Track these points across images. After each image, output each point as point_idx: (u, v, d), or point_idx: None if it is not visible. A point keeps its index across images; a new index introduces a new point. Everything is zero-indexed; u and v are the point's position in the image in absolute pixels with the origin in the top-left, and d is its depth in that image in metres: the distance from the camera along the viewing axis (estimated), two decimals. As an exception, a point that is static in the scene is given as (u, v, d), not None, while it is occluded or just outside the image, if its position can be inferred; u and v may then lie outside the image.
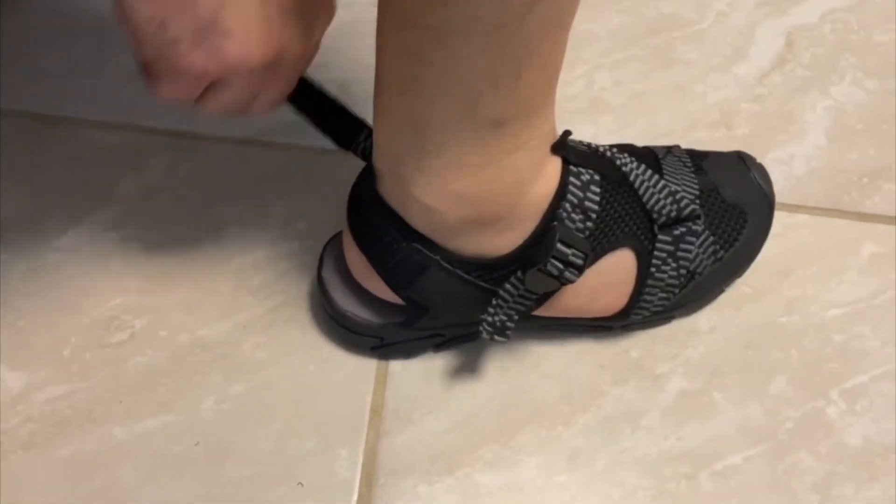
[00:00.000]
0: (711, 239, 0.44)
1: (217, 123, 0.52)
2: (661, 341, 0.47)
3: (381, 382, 0.44)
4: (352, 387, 0.44)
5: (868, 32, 0.64)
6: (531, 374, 0.46)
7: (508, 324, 0.40)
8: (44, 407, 0.42)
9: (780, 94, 0.59)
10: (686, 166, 0.45)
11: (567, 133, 0.39)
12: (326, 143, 0.41)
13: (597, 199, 0.39)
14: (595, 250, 0.40)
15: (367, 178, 0.39)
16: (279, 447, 0.42)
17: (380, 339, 0.43)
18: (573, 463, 0.43)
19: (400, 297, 0.40)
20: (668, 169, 0.44)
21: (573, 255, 0.38)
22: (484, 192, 0.36)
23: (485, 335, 0.40)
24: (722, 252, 0.44)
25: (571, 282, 0.38)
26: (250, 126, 0.53)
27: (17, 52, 0.55)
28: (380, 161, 0.37)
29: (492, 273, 0.39)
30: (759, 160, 0.55)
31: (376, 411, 0.43)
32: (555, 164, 0.38)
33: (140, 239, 0.48)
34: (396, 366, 0.45)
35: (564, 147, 0.38)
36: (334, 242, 0.44)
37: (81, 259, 0.47)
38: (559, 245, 0.37)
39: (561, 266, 0.37)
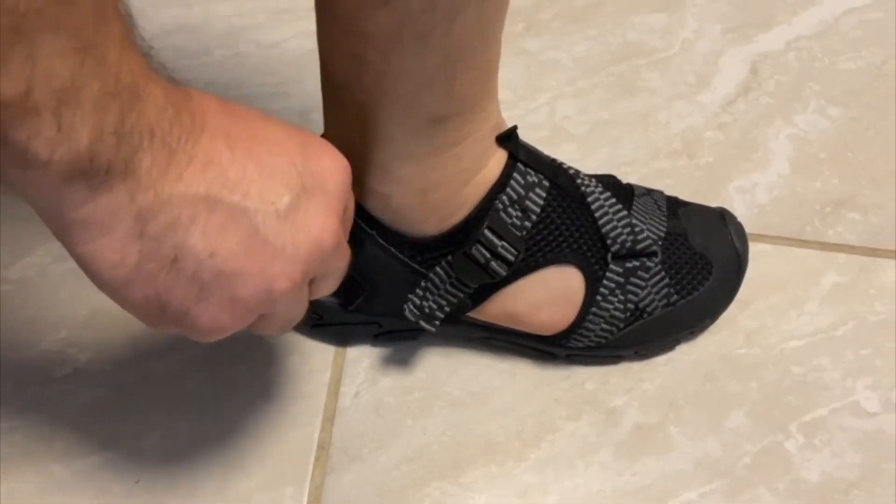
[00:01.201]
0: (666, 281, 0.43)
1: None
2: (616, 373, 0.46)
3: (328, 418, 0.43)
4: (299, 423, 0.43)
5: (832, 60, 0.64)
6: (484, 408, 0.45)
7: (438, 313, 0.40)
8: (-18, 444, 0.41)
9: (744, 122, 0.59)
10: (660, 209, 0.45)
11: (514, 127, 0.40)
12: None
13: (541, 202, 0.39)
14: (535, 255, 0.40)
15: None
16: (223, 485, 0.41)
17: (319, 317, 0.44)
18: (524, 499, 0.42)
19: None
20: (640, 206, 0.44)
21: (503, 247, 0.38)
22: (428, 180, 0.37)
23: (409, 315, 0.40)
24: (676, 297, 0.44)
25: (500, 275, 0.39)
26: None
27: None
28: None
29: (423, 254, 0.39)
30: (721, 189, 0.55)
31: (323, 448, 0.42)
32: (500, 157, 0.39)
33: (89, 270, 0.47)
34: (346, 401, 0.44)
35: (511, 142, 0.39)
36: None
37: (29, 291, 0.46)
38: (487, 232, 0.38)
39: (488, 255, 0.38)
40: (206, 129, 0.26)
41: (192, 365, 0.45)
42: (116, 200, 0.24)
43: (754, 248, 0.52)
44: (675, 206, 0.47)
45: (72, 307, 0.46)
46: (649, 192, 0.47)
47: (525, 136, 0.57)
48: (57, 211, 0.24)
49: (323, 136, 0.38)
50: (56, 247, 0.48)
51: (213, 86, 0.56)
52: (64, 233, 0.25)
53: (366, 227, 0.39)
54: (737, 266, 0.46)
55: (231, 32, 0.60)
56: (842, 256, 0.53)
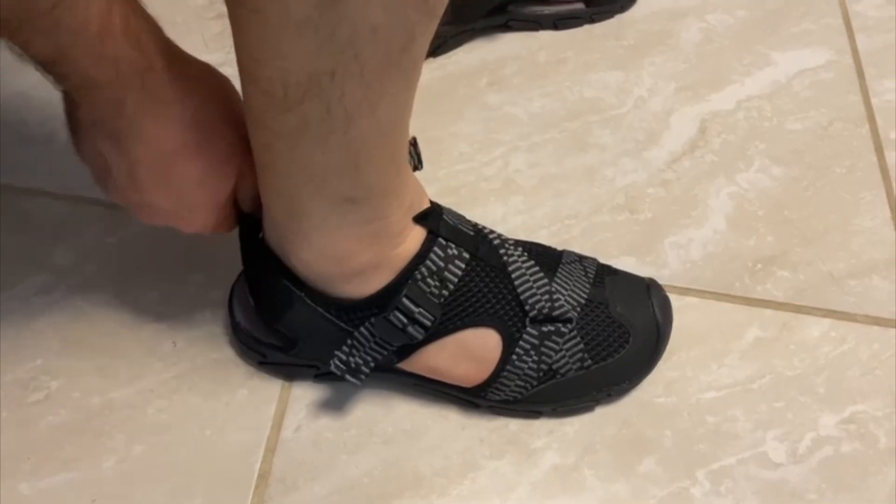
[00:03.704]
0: (581, 346, 0.47)
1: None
2: (541, 414, 0.50)
3: (270, 450, 0.48)
4: (244, 453, 0.47)
5: (781, 120, 0.67)
6: (415, 445, 0.49)
7: (364, 368, 0.44)
8: (-42, 460, 0.46)
9: (687, 179, 0.63)
10: (586, 276, 0.49)
11: (432, 207, 0.44)
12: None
13: (459, 273, 0.43)
14: (453, 319, 0.44)
15: (249, 217, 0.44)
16: (170, 507, 0.46)
17: (263, 356, 0.48)
18: (444, 532, 0.46)
19: (270, 328, 0.45)
20: (564, 274, 0.48)
21: (420, 313, 0.42)
22: (345, 250, 0.41)
23: (335, 370, 0.44)
24: (590, 362, 0.47)
25: (416, 338, 0.43)
26: (180, 199, 0.57)
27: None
28: (265, 216, 0.43)
29: (349, 314, 0.44)
30: (657, 244, 0.59)
31: (263, 477, 0.47)
32: (418, 233, 0.43)
33: (66, 304, 0.52)
34: (287, 434, 0.48)
35: (430, 220, 0.43)
36: None
37: (9, 321, 0.51)
38: (405, 300, 0.42)
39: (405, 320, 0.42)
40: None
41: (151, 394, 0.49)
42: None
43: (682, 301, 0.56)
44: (603, 274, 0.50)
45: (47, 338, 0.51)
46: (581, 259, 0.50)
47: (478, 187, 0.61)
48: None
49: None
50: (39, 280, 0.53)
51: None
52: None
53: (295, 290, 0.43)
54: (655, 337, 0.49)
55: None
56: (767, 312, 0.56)
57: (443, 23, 0.65)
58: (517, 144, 0.63)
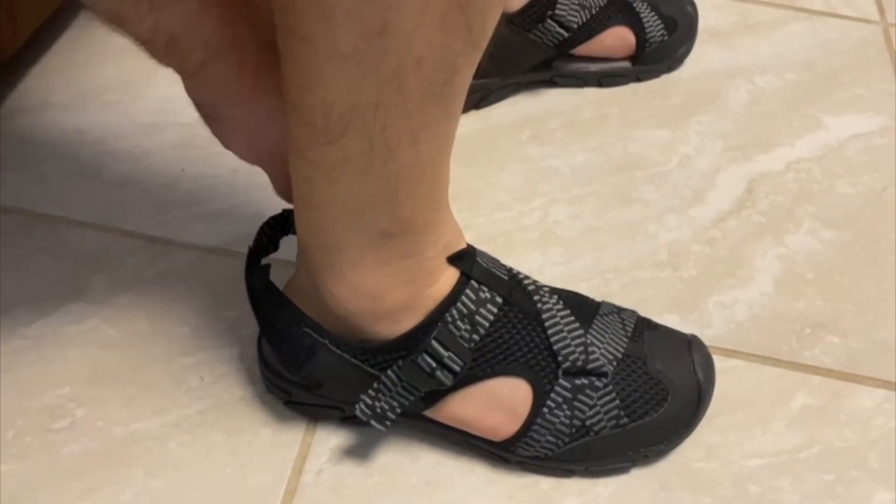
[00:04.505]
0: (616, 402, 0.45)
1: (189, 231, 0.58)
2: (574, 473, 0.48)
3: (290, 492, 0.46)
4: (263, 493, 0.46)
5: (831, 183, 0.65)
6: (439, 497, 0.47)
7: (389, 413, 0.43)
8: (-22, 484, 0.46)
9: (733, 238, 0.61)
10: (624, 329, 0.47)
11: (466, 249, 0.43)
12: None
13: (491, 317, 0.42)
14: (483, 366, 0.43)
15: (257, 267, 0.44)
16: (185, 546, 0.44)
17: (288, 395, 0.47)
18: (465, 592, 0.44)
19: (293, 377, 0.44)
20: (601, 325, 0.46)
21: (449, 357, 0.41)
22: (379, 287, 0.41)
23: (360, 415, 0.43)
24: (626, 420, 0.45)
25: (444, 384, 0.41)
26: (219, 235, 0.58)
27: (26, 154, 0.62)
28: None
29: (375, 357, 0.42)
30: (701, 303, 0.57)
31: (280, 520, 0.45)
32: (451, 274, 0.42)
33: (99, 333, 0.52)
34: (308, 477, 0.47)
35: (464, 261, 0.42)
36: None
37: (42, 348, 0.51)
38: (434, 343, 0.41)
39: (434, 364, 0.41)
40: None
41: (175, 428, 0.48)
42: None
43: (726, 363, 0.53)
44: (642, 328, 0.48)
45: (76, 366, 0.50)
46: (619, 311, 0.48)
47: (515, 236, 0.60)
48: None
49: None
50: (75, 308, 0.53)
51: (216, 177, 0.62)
52: None
53: (317, 336, 0.42)
54: (696, 397, 0.47)
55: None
56: (815, 378, 0.53)
57: (487, 76, 0.66)
58: (558, 196, 0.63)
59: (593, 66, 0.70)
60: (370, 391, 0.43)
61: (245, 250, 0.45)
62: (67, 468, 0.46)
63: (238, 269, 0.46)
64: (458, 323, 0.42)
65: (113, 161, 0.62)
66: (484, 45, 0.34)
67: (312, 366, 0.43)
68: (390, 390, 0.42)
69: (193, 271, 0.56)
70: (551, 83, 0.70)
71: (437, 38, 0.32)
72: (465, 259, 0.43)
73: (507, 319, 0.43)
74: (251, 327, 0.52)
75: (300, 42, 0.32)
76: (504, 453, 0.46)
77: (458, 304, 0.42)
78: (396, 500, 0.46)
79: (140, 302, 0.54)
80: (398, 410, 0.43)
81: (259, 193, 0.59)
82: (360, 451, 0.48)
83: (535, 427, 0.44)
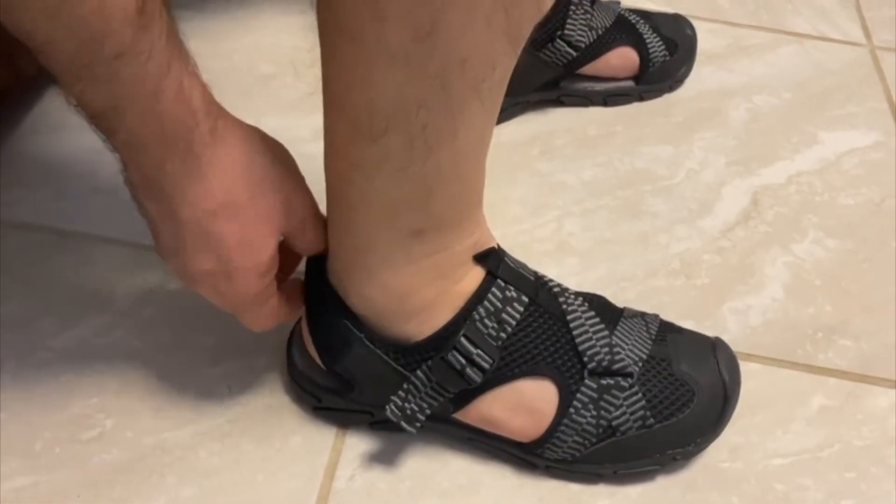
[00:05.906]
0: (642, 403, 0.45)
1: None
2: (602, 477, 0.48)
3: (322, 498, 0.46)
4: (295, 500, 0.46)
5: (832, 195, 0.68)
6: (470, 500, 0.47)
7: (419, 415, 0.43)
8: (8, 495, 0.45)
9: (742, 247, 0.63)
10: (648, 332, 0.47)
11: (493, 249, 0.44)
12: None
13: (517, 316, 0.43)
14: (510, 366, 0.43)
15: (319, 260, 0.44)
16: (218, 554, 0.44)
17: (318, 400, 0.48)
18: None
19: (328, 370, 0.45)
20: (625, 328, 0.47)
21: (478, 355, 0.42)
22: (407, 286, 0.41)
23: (390, 416, 0.43)
24: (652, 420, 0.45)
25: (475, 381, 0.42)
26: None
27: (48, 173, 0.62)
28: (330, 252, 0.44)
29: (406, 357, 0.43)
30: (715, 309, 0.58)
31: (314, 525, 0.45)
32: (478, 272, 0.43)
33: (125, 345, 0.52)
34: (340, 483, 0.47)
35: (491, 260, 0.43)
36: None
37: (69, 359, 0.51)
38: (463, 340, 0.42)
39: (463, 361, 0.41)
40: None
41: (204, 437, 0.48)
42: None
43: (744, 367, 0.54)
44: (665, 332, 0.48)
45: (104, 377, 0.50)
46: (643, 315, 0.49)
47: (531, 248, 0.62)
48: None
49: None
50: (100, 321, 0.53)
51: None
52: None
53: (354, 330, 0.43)
54: (722, 397, 0.47)
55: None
56: (831, 380, 0.55)
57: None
58: (570, 209, 0.64)
59: (599, 86, 0.72)
60: (400, 392, 0.43)
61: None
62: (98, 478, 0.46)
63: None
64: (486, 321, 0.42)
65: (132, 179, 0.62)
66: (522, 44, 0.36)
67: (346, 358, 0.44)
68: (420, 391, 0.43)
69: (216, 284, 0.56)
70: (558, 102, 0.72)
71: (482, 37, 0.33)
72: (492, 257, 0.43)
73: (532, 319, 0.44)
74: (277, 337, 0.53)
75: (348, 41, 0.33)
76: (531, 457, 0.47)
77: (486, 302, 0.42)
78: (429, 504, 0.47)
79: (165, 315, 0.54)
80: (427, 412, 0.43)
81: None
82: (390, 457, 0.48)
83: (562, 427, 0.45)
